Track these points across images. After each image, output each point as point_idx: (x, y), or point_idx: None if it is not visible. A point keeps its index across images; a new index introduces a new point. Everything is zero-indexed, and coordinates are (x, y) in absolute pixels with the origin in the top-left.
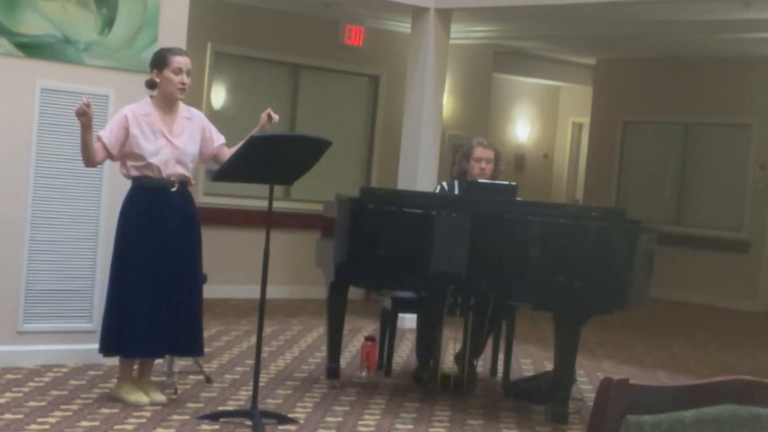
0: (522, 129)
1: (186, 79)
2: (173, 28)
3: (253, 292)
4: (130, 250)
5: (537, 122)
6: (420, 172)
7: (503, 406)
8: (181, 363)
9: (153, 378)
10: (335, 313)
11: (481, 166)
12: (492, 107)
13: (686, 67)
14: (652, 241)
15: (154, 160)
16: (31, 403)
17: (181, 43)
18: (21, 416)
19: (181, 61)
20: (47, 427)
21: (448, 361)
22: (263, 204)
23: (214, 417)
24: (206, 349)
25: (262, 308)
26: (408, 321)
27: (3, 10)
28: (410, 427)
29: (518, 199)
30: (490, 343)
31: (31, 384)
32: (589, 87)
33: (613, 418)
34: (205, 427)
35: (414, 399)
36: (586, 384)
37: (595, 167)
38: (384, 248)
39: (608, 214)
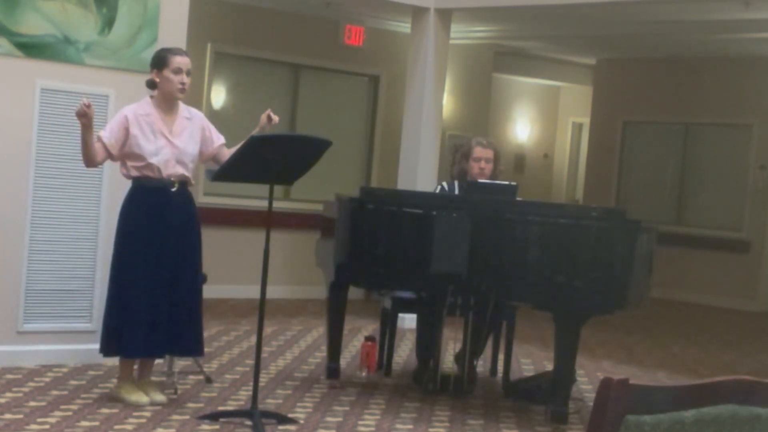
0: (522, 129)
1: (186, 79)
2: (173, 28)
3: (253, 292)
4: (130, 250)
5: (537, 122)
6: (420, 172)
7: (503, 406)
8: (181, 363)
9: (153, 378)
10: (335, 313)
11: (481, 165)
12: (492, 107)
13: (686, 67)
14: (652, 241)
15: (154, 161)
16: (31, 403)
17: (181, 43)
18: (21, 416)
19: (180, 61)
20: (47, 427)
21: (448, 361)
22: (263, 204)
23: (214, 417)
24: (206, 349)
25: (262, 308)
26: (408, 321)
27: (3, 10)
28: (410, 427)
29: (518, 199)
30: (490, 343)
31: (31, 384)
32: (589, 87)
33: (613, 418)
34: (205, 427)
35: (414, 399)
36: (586, 384)
37: (595, 167)
38: (384, 248)
39: (608, 214)
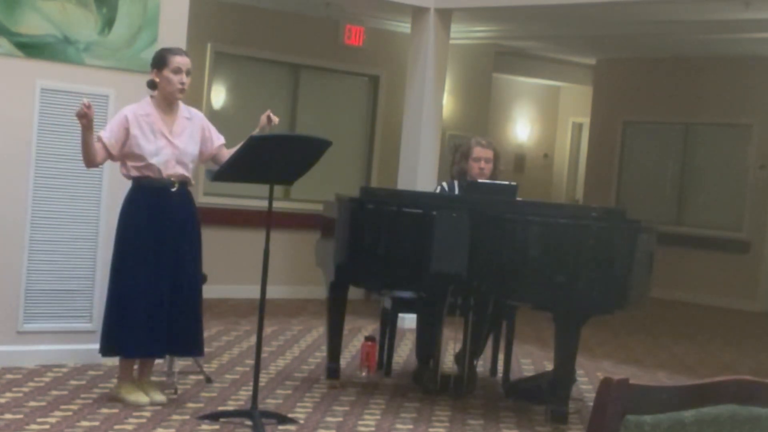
0: (522, 129)
1: (185, 79)
2: (173, 28)
3: (253, 292)
4: (130, 250)
5: (537, 122)
6: (420, 172)
7: (503, 406)
8: (181, 363)
9: (153, 378)
10: (335, 313)
11: (480, 165)
12: (492, 107)
13: (686, 67)
14: (652, 241)
15: (154, 161)
16: (31, 403)
17: (181, 43)
18: (21, 416)
19: (180, 60)
20: (47, 427)
21: (448, 361)
22: (263, 204)
23: (214, 417)
24: (206, 349)
25: (262, 308)
26: (408, 321)
27: (3, 10)
28: (410, 427)
29: (518, 199)
30: (490, 343)
31: (31, 384)
32: (589, 87)
33: (613, 418)
34: (205, 427)
35: (414, 399)
36: (586, 384)
37: (595, 167)
38: (384, 248)
39: (608, 214)
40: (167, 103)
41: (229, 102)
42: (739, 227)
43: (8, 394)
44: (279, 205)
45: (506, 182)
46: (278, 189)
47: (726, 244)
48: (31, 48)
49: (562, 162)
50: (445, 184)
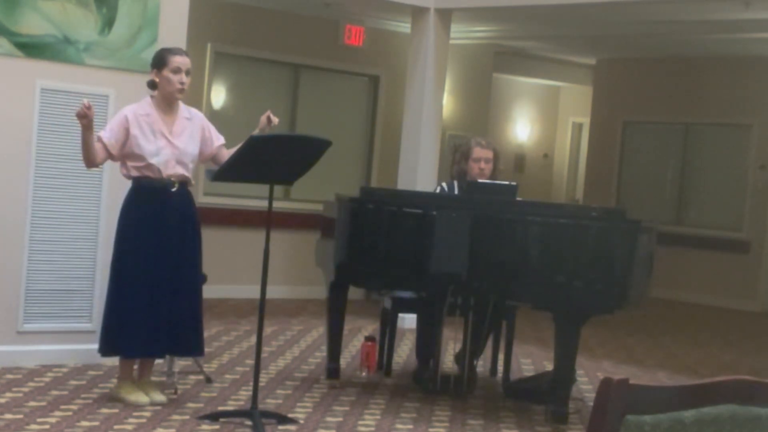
0: (522, 129)
1: (185, 79)
2: (173, 28)
3: (253, 292)
4: (130, 250)
5: (537, 122)
6: (420, 172)
7: (503, 406)
8: (181, 363)
9: (153, 378)
10: (335, 313)
11: (480, 166)
12: (492, 107)
13: (686, 67)
14: (652, 241)
15: (154, 161)
16: (31, 403)
17: (181, 43)
18: (21, 416)
19: (180, 60)
20: (47, 427)
21: (448, 361)
22: (263, 204)
23: (214, 417)
24: (206, 349)
25: (262, 308)
26: (408, 321)
27: (3, 10)
28: (410, 427)
29: (518, 199)
30: (490, 343)
31: (31, 384)
32: (589, 87)
33: (613, 418)
34: (205, 427)
35: (414, 399)
36: (586, 384)
37: (595, 167)
38: (384, 248)
39: (608, 214)
40: (167, 103)
41: (229, 102)
42: (739, 227)
43: (8, 394)
44: (279, 205)
45: (506, 182)
46: (278, 189)
47: (726, 244)
48: (31, 48)
49: (562, 162)
50: (444, 184)
